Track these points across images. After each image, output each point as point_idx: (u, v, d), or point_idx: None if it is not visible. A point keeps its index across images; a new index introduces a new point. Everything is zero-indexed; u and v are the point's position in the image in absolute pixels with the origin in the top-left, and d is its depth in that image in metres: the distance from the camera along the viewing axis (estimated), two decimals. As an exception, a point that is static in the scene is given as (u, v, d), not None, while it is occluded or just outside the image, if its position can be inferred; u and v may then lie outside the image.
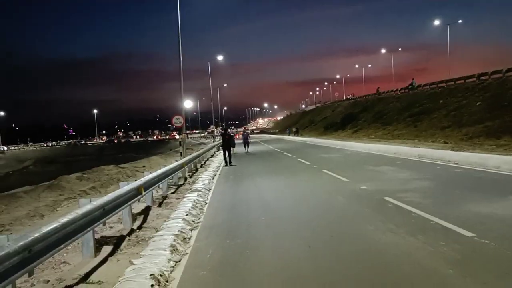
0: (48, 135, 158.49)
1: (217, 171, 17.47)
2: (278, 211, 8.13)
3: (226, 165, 19.46)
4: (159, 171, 10.39)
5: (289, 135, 65.24)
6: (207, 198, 10.24)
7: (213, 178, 14.52)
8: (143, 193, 7.91)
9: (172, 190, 12.10)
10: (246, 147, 29.34)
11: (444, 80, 42.33)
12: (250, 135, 31.94)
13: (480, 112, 24.68)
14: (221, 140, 23.69)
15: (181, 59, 21.80)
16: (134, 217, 8.09)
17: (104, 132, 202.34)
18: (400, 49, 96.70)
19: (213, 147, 33.63)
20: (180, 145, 22.05)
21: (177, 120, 21.29)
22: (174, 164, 13.26)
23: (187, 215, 7.77)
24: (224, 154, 20.39)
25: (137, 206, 9.56)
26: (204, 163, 22.49)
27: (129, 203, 7.09)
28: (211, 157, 26.82)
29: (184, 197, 9.95)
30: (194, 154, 19.41)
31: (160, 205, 9.66)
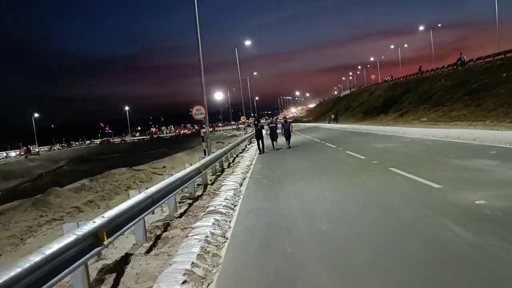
0: (86, 133, 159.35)
1: (248, 172, 13.91)
2: (345, 259, 4.47)
3: (260, 153, 20.73)
4: (156, 187, 6.87)
5: (329, 123, 60.12)
6: (229, 227, 6.64)
7: (241, 185, 10.95)
8: (106, 242, 4.37)
9: (182, 210, 8.58)
10: (288, 141, 22.35)
11: (503, 52, 37.12)
12: (292, 125, 23.72)
13: None
14: (254, 132, 26.90)
15: (200, 41, 18.37)
16: (100, 277, 4.65)
17: (138, 128, 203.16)
18: (439, 24, 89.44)
19: (244, 140, 30.12)
20: (203, 140, 18.59)
21: (198, 112, 17.81)
22: (188, 169, 9.75)
23: (185, 276, 4.25)
24: (258, 144, 21.60)
25: (120, 245, 6.13)
26: (233, 160, 18.99)
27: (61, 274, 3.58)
28: (241, 153, 23.29)
29: (193, 228, 6.42)
30: (219, 151, 15.92)
31: (153, 245, 6.08)
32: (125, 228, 5.08)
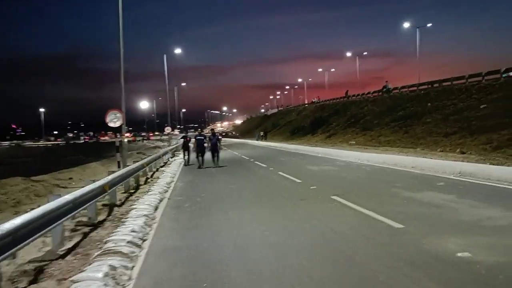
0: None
1: (167, 191, 11.87)
2: None
3: (185, 165, 20.69)
4: (28, 216, 4.71)
5: (257, 140, 58.37)
6: (128, 280, 4.63)
7: (156, 210, 8.91)
8: None
9: (72, 243, 6.40)
10: (216, 158, 19.06)
11: (426, 82, 38.55)
12: (220, 138, 20.97)
13: (494, 117, 20.30)
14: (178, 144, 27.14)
15: (121, 40, 16.21)
16: None
17: (55, 132, 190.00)
18: (365, 53, 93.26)
19: (167, 152, 27.78)
20: (118, 151, 16.20)
21: (113, 117, 15.46)
22: (87, 188, 7.55)
23: None
24: (184, 155, 21.83)
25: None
26: (152, 175, 16.77)
27: None
28: (162, 166, 21.03)
29: (74, 281, 4.35)
30: (136, 165, 13.70)
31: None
32: None
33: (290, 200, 9.20)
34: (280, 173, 14.61)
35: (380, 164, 15.53)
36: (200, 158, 19.17)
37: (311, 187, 10.74)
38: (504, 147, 16.07)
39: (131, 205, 9.37)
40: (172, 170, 18.55)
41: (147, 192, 11.42)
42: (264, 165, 18.26)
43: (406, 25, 52.13)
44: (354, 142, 31.09)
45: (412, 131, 26.04)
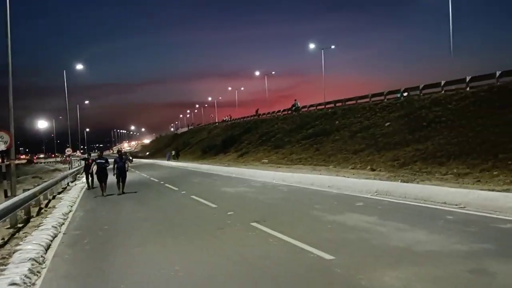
0: None
1: (63, 223, 10.33)
2: None
3: (88, 188, 19.28)
4: None
5: (168, 160, 56.26)
6: None
7: (47, 250, 7.45)
8: None
9: None
10: (121, 185, 16.13)
11: (333, 101, 40.08)
12: (129, 159, 18.33)
13: (398, 134, 21.25)
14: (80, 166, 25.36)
15: (10, 54, 14.29)
16: None
17: None
18: (273, 72, 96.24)
19: (67, 176, 25.26)
20: (5, 178, 14.07)
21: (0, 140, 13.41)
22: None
23: None
24: (87, 178, 20.23)
25: None
26: (47, 204, 14.83)
27: None
28: (61, 192, 18.87)
29: None
30: (26, 194, 11.82)
31: None
32: None
33: (206, 229, 8.28)
34: (194, 197, 13.62)
35: (297, 183, 15.23)
36: (103, 184, 16.34)
37: (229, 213, 9.93)
38: (410, 164, 16.67)
39: (16, 245, 7.82)
40: (72, 196, 16.66)
41: (39, 226, 9.80)
42: (176, 188, 17.11)
43: (312, 46, 54.49)
44: (267, 160, 30.98)
45: (323, 149, 26.51)
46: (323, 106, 41.11)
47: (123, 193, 15.93)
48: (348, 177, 14.62)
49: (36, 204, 13.83)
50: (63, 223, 10.41)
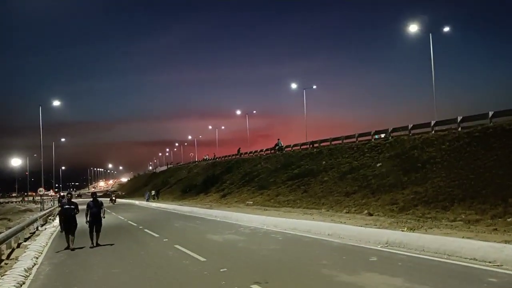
0: None
1: (24, 282, 8.67)
2: None
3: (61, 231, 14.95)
4: None
5: (147, 200, 53.62)
6: None
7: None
8: None
9: None
10: (95, 236, 13.38)
11: (319, 141, 39.25)
12: (101, 202, 13.83)
13: (393, 175, 20.26)
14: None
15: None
16: None
17: None
18: (254, 111, 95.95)
19: (36, 219, 23.19)
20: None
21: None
22: None
23: None
24: (60, 221, 16.21)
25: None
26: (10, 254, 13.05)
27: None
28: (28, 238, 16.96)
29: None
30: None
31: None
32: None
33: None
34: (178, 246, 12.08)
35: (291, 231, 13.85)
36: (71, 237, 13.24)
37: (221, 269, 8.48)
38: (410, 208, 15.58)
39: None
40: (39, 245, 14.82)
41: (-8, 288, 8.14)
42: (157, 235, 15.49)
43: (294, 86, 54.41)
44: (251, 202, 29.52)
45: (311, 190, 25.30)
46: (307, 146, 40.14)
47: (97, 245, 13.26)
48: (346, 224, 13.35)
49: (-4, 255, 12.10)
50: (24, 282, 8.75)
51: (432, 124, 25.27)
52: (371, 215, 16.26)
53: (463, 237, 9.77)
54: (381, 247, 9.83)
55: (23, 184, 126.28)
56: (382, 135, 31.07)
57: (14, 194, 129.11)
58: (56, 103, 40.37)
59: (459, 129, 22.84)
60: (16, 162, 70.82)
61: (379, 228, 12.38)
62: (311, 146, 39.25)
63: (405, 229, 11.81)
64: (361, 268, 7.78)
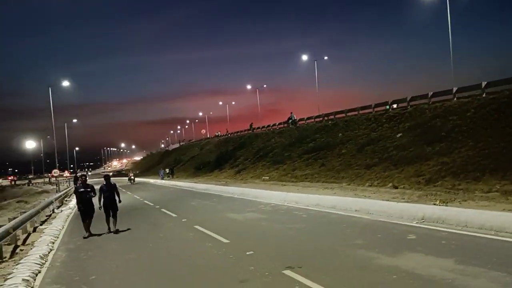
0: None
1: (40, 271, 8.23)
2: None
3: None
4: None
5: (162, 179, 51.66)
6: None
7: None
8: None
9: None
10: (112, 221, 12.27)
11: (333, 112, 38.26)
12: (114, 184, 12.50)
13: (415, 146, 19.42)
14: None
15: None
16: None
17: None
18: (265, 85, 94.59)
19: (52, 201, 22.91)
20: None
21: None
22: None
23: None
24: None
25: None
26: (26, 238, 12.76)
27: None
28: (44, 222, 16.65)
29: None
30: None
31: None
32: None
33: (224, 284, 6.26)
34: (198, 227, 11.55)
35: (314, 207, 13.23)
36: (87, 221, 12.22)
37: (247, 253, 7.90)
38: (438, 179, 14.80)
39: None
40: (56, 228, 14.48)
41: (6, 277, 7.69)
42: (174, 215, 15.00)
43: (305, 57, 53.13)
44: (267, 177, 28.96)
45: (329, 164, 24.60)
46: (321, 119, 39.28)
47: (116, 232, 12.16)
48: (372, 198, 12.66)
49: (11, 241, 11.73)
50: (39, 271, 8.29)
51: (454, 91, 24.20)
52: (396, 188, 15.55)
53: (503, 210, 9.07)
54: (416, 223, 9.16)
55: (38, 165, 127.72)
56: (394, 106, 30.16)
57: (30, 176, 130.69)
58: (66, 83, 39.88)
59: (484, 95, 21.80)
60: (30, 144, 70.96)
61: (407, 202, 11.69)
62: (325, 118, 38.36)
63: (438, 202, 11.11)
64: (402, 248, 7.12)
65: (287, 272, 6.31)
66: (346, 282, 5.62)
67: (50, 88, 38.92)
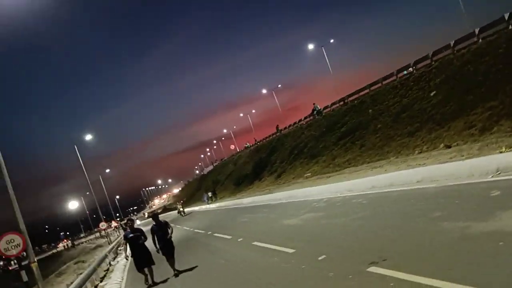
0: None
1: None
2: None
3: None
4: None
5: (208, 203, 49.32)
6: None
7: None
8: None
9: None
10: (171, 260, 11.11)
11: (355, 92, 37.12)
12: (164, 222, 11.47)
13: (455, 99, 18.22)
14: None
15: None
16: None
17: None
18: (279, 85, 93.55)
19: (107, 255, 22.76)
20: (27, 286, 11.57)
21: (11, 244, 11.01)
22: None
23: None
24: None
25: None
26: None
27: None
28: (103, 278, 16.34)
29: None
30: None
31: None
32: None
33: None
34: (256, 243, 10.86)
35: (370, 190, 12.34)
36: (146, 269, 11.07)
37: (319, 258, 7.14)
38: (493, 126, 13.66)
39: None
40: (116, 281, 14.13)
41: None
42: (229, 237, 14.38)
43: (311, 46, 52.20)
44: (309, 174, 28.08)
45: (368, 142, 23.55)
46: (345, 101, 38.21)
47: (178, 272, 10.92)
48: (428, 165, 11.65)
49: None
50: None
51: (477, 32, 22.80)
52: (449, 147, 14.47)
53: None
54: (492, 177, 8.17)
55: (86, 222, 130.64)
56: (410, 69, 29.05)
57: (82, 235, 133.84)
58: (88, 137, 40.26)
59: (510, 27, 20.38)
60: (73, 205, 72.34)
61: (470, 157, 10.65)
62: (349, 100, 37.26)
63: (504, 149, 10.06)
64: (491, 208, 6.21)
65: (373, 269, 5.52)
66: (449, 263, 4.78)
67: (75, 147, 39.34)
